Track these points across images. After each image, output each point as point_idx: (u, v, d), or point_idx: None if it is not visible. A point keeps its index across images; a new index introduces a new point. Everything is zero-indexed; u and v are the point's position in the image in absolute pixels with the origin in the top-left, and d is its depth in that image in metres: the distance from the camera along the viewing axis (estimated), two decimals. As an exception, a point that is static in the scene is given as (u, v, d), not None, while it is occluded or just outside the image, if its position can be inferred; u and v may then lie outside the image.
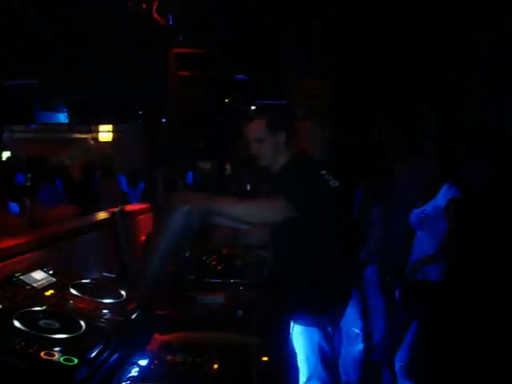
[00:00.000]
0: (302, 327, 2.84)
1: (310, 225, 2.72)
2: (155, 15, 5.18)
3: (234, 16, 5.94)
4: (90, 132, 14.89)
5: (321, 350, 2.86)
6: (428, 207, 3.48)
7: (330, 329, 2.95)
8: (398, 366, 3.58)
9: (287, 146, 2.85)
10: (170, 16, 5.35)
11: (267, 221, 2.71)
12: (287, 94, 8.44)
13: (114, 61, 7.59)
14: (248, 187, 5.52)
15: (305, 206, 2.65)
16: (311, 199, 2.72)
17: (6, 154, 12.61)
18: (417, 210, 3.56)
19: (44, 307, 1.86)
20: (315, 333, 2.83)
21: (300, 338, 2.86)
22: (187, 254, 3.59)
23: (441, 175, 3.48)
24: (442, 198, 3.42)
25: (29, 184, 4.89)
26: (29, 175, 4.92)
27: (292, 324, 2.91)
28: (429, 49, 6.35)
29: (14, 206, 4.48)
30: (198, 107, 4.45)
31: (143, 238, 4.19)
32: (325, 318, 2.91)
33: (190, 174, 6.18)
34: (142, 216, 4.40)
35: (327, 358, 2.93)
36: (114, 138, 14.26)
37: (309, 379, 2.88)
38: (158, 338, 2.18)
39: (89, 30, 6.88)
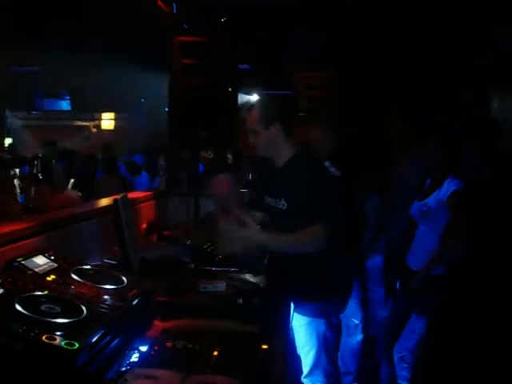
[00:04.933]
0: (308, 318, 2.83)
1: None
2: (159, 3, 5.16)
3: (239, 5, 5.92)
4: (92, 120, 14.89)
5: (325, 340, 2.87)
6: (430, 200, 3.46)
7: (334, 319, 2.96)
8: (396, 356, 3.60)
9: (289, 138, 2.83)
10: (175, 4, 5.32)
11: (307, 250, 2.67)
12: (289, 85, 8.40)
13: (117, 49, 7.58)
14: (250, 177, 5.52)
15: (334, 220, 2.66)
16: (335, 208, 2.74)
17: (8, 141, 12.62)
18: (418, 203, 3.54)
19: (45, 292, 1.87)
20: (321, 323, 2.84)
21: (305, 329, 2.86)
22: (188, 243, 3.60)
23: (443, 169, 3.46)
24: (444, 191, 3.39)
25: (35, 171, 4.83)
26: (36, 161, 4.84)
27: (293, 315, 2.91)
28: (434, 41, 6.33)
29: (22, 197, 4.50)
30: (201, 96, 4.42)
31: (144, 225, 4.22)
32: (330, 307, 2.92)
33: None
34: (144, 203, 4.42)
35: (331, 348, 2.95)
36: (115, 126, 14.28)
37: (312, 369, 2.89)
38: (159, 324, 2.20)
39: (92, 18, 6.87)
